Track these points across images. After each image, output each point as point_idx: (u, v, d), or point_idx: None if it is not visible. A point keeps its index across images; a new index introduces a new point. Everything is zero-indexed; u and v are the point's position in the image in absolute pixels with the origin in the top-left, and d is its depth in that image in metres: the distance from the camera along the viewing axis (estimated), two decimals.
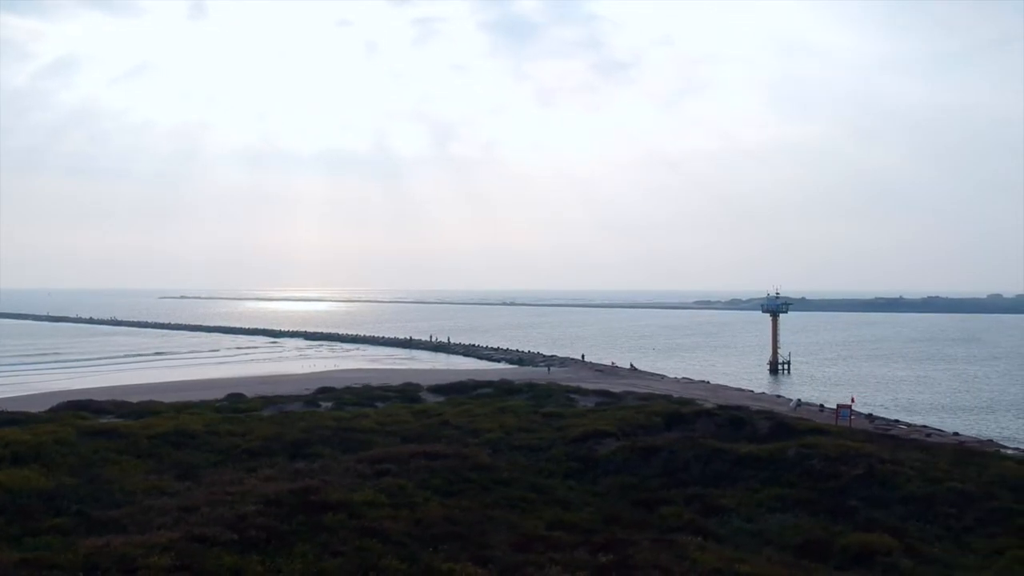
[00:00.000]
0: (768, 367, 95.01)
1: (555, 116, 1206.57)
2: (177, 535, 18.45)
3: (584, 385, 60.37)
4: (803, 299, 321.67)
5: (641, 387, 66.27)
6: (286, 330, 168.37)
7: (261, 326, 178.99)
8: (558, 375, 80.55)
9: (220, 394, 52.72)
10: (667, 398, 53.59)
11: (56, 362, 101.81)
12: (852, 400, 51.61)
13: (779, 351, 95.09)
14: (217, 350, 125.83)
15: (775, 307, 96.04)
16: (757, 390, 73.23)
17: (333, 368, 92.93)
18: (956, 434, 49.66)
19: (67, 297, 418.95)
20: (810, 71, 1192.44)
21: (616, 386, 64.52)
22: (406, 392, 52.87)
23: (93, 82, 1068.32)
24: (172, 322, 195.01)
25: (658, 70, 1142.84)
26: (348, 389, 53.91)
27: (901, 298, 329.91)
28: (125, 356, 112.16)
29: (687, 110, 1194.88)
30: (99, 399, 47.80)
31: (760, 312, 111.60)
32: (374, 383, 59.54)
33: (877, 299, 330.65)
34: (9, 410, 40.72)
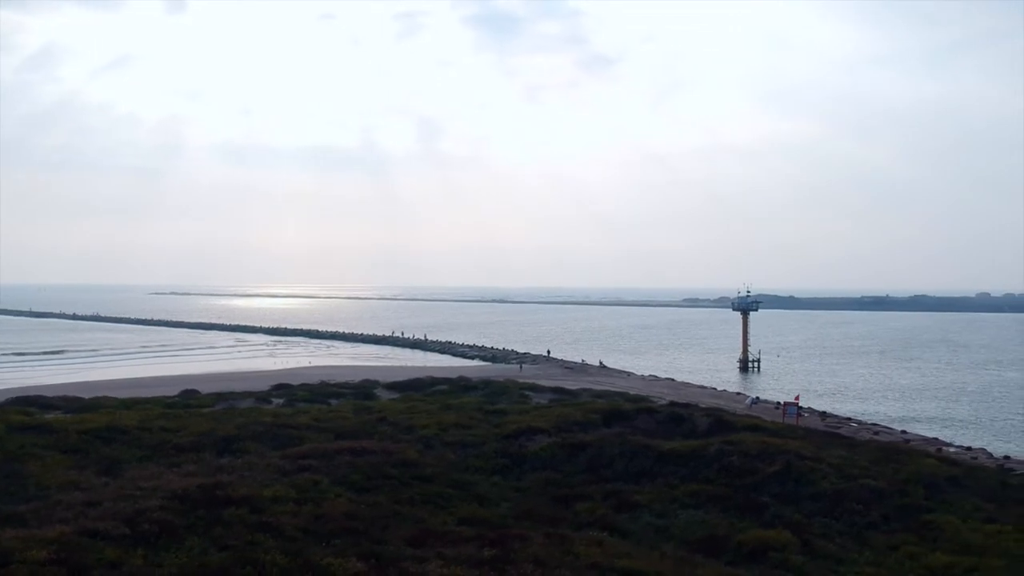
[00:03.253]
0: (739, 365, 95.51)
1: (541, 112, 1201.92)
2: (69, 529, 18.69)
3: (541, 382, 60.62)
4: (791, 297, 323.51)
5: (604, 384, 66.55)
6: (267, 326, 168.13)
7: (243, 322, 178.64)
8: (529, 372, 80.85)
9: (177, 390, 52.96)
10: (623, 395, 54.05)
11: (28, 358, 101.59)
12: (797, 398, 52.16)
13: (749, 349, 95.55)
14: (194, 346, 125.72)
15: (745, 305, 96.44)
16: (720, 387, 73.65)
17: (307, 364, 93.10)
18: (904, 432, 50.21)
19: (57, 293, 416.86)
20: (797, 67, 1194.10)
21: (578, 383, 64.78)
22: (361, 389, 53.07)
23: (76, 75, 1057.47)
24: (154, 318, 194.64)
25: (643, 66, 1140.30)
26: (304, 386, 54.08)
27: (888, 297, 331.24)
28: (97, 353, 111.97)
29: (673, 106, 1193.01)
30: (52, 395, 47.93)
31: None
32: (336, 380, 59.81)
33: (864, 298, 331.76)
34: None
